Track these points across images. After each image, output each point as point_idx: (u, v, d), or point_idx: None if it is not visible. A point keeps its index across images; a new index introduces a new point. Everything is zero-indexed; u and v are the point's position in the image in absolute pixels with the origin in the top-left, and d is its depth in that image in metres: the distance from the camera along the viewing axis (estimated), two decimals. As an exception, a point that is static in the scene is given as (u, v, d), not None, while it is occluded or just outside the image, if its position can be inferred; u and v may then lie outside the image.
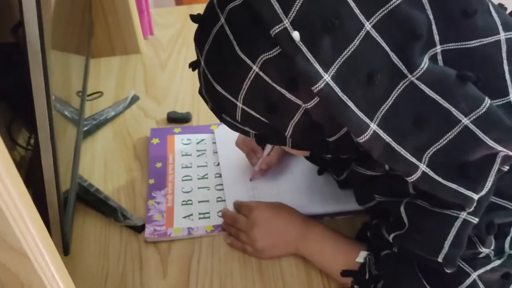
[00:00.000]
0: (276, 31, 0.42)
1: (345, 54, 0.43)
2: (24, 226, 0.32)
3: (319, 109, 0.45)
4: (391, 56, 0.44)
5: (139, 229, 0.70)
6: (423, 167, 0.45)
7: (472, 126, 0.44)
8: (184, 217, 0.72)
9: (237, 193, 0.74)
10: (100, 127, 0.88)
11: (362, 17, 0.43)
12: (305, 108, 0.46)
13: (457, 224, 0.49)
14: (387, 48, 0.44)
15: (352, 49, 0.43)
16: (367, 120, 0.44)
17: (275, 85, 0.45)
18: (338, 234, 0.64)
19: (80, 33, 0.88)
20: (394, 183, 0.54)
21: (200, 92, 0.53)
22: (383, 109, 0.44)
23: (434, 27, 0.45)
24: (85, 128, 0.85)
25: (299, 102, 0.46)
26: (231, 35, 0.45)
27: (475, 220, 0.48)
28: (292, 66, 0.43)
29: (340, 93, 0.43)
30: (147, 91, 0.97)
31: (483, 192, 0.46)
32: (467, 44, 0.45)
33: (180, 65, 1.03)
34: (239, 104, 0.48)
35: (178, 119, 0.89)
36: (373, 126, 0.44)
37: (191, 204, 0.74)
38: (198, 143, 0.84)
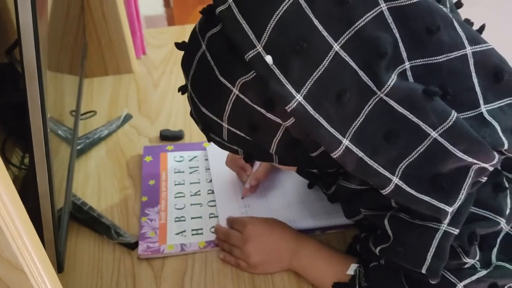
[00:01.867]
0: (250, 56, 0.45)
1: (315, 75, 0.45)
2: (21, 241, 0.33)
3: (296, 127, 0.47)
4: (360, 74, 0.46)
5: (133, 246, 0.70)
6: (396, 180, 0.47)
7: (440, 139, 0.46)
8: (177, 234, 0.72)
9: (230, 209, 0.75)
10: (94, 146, 0.89)
11: (330, 39, 0.45)
12: (285, 126, 0.48)
13: (438, 235, 0.50)
14: (355, 67, 0.46)
15: (322, 69, 0.45)
16: (339, 136, 0.46)
17: (254, 106, 0.47)
18: (329, 248, 0.65)
19: (74, 54, 0.90)
20: (378, 197, 0.55)
21: (191, 114, 0.55)
22: (355, 125, 0.46)
23: (401, 44, 0.47)
24: (79, 147, 0.86)
25: (278, 120, 0.48)
26: (212, 61, 0.48)
27: (455, 231, 0.50)
28: (267, 88, 0.45)
29: (312, 111, 0.45)
30: (140, 109, 0.99)
31: (456, 205, 0.47)
32: (434, 59, 0.47)
33: (172, 84, 1.05)
34: (225, 125, 0.51)
35: (170, 137, 0.90)
36: (346, 142, 0.46)
37: (184, 220, 0.74)
38: (190, 160, 0.85)
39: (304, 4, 0.45)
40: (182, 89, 0.56)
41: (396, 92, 0.45)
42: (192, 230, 0.73)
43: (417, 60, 0.47)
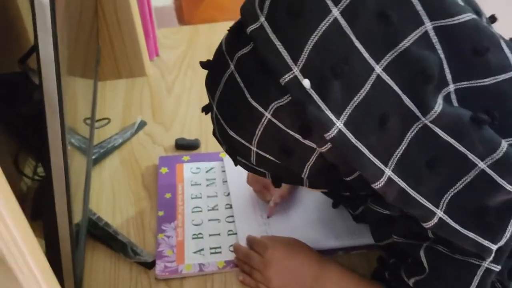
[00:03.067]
0: (286, 80, 0.42)
1: (356, 99, 0.42)
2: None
3: (333, 152, 0.45)
4: (403, 99, 0.43)
5: (150, 265, 0.68)
6: (440, 213, 0.44)
7: (488, 171, 0.43)
8: (195, 252, 0.70)
9: (249, 227, 0.73)
10: (108, 155, 0.86)
11: (371, 61, 0.42)
12: (320, 151, 0.45)
13: (480, 272, 0.48)
14: (398, 91, 0.43)
15: (363, 94, 0.42)
16: (382, 166, 0.43)
17: (288, 131, 0.45)
18: (353, 274, 0.63)
19: (87, 59, 0.87)
20: (412, 225, 0.52)
21: (214, 134, 0.53)
22: (397, 154, 0.43)
23: (446, 66, 0.44)
24: (93, 157, 0.84)
25: (313, 145, 0.45)
26: (242, 83, 0.45)
27: (497, 268, 0.47)
28: (304, 113, 0.42)
29: (353, 140, 0.42)
30: (154, 116, 0.96)
31: (501, 242, 0.45)
32: (481, 82, 0.44)
33: (186, 88, 1.02)
34: (253, 148, 0.48)
35: (186, 146, 0.88)
36: (388, 172, 0.43)
37: (202, 237, 0.72)
38: (207, 171, 0.83)
39: (344, 24, 0.42)
40: (206, 109, 0.53)
41: (442, 119, 0.43)
42: (211, 248, 0.71)
43: (463, 83, 0.44)
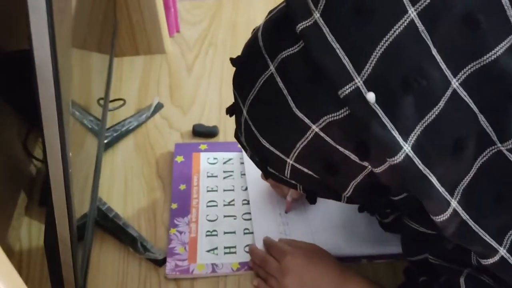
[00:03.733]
0: (346, 92, 0.35)
1: (427, 119, 0.36)
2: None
3: (390, 174, 0.38)
4: (480, 119, 0.37)
5: (160, 262, 0.65)
6: (503, 251, 0.39)
7: None
8: (208, 251, 0.66)
9: (266, 227, 0.68)
10: (121, 139, 0.82)
11: (448, 73, 0.36)
12: (372, 170, 0.39)
13: None
14: (475, 109, 0.36)
15: (436, 112, 0.36)
16: (448, 197, 0.37)
17: (338, 147, 0.39)
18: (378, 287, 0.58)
19: (102, 33, 0.81)
20: (455, 249, 0.47)
21: (237, 137, 0.47)
22: (464, 182, 0.38)
23: None
24: (106, 141, 0.80)
25: (365, 164, 0.39)
26: (285, 89, 0.39)
27: None
28: (363, 130, 0.36)
29: (421, 166, 0.36)
30: (172, 97, 0.91)
31: None
32: None
33: (207, 69, 0.96)
34: (290, 161, 0.42)
35: (204, 133, 0.83)
36: (454, 204, 0.38)
37: (216, 235, 0.68)
38: (225, 163, 0.78)
39: (421, 28, 0.35)
40: (231, 112, 0.46)
41: None
42: (225, 248, 0.67)
43: None
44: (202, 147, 0.80)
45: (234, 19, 1.07)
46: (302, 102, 0.38)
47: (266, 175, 0.47)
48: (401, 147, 0.35)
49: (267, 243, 0.64)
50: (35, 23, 0.37)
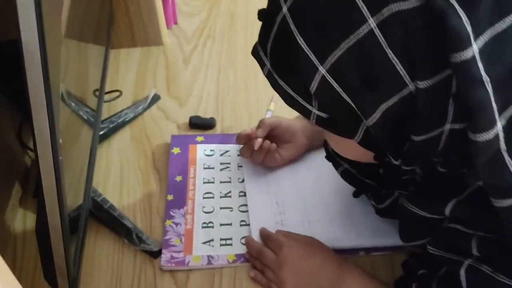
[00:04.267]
0: None
1: (499, 26, 0.34)
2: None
3: (432, 93, 0.35)
4: None
5: (155, 254, 0.64)
6: None
7: None
8: (204, 243, 0.65)
9: (263, 218, 0.67)
10: (117, 131, 0.81)
11: None
12: (413, 89, 0.36)
13: None
14: None
15: (508, 23, 0.34)
16: (496, 115, 0.35)
17: (389, 52, 0.34)
18: (377, 283, 0.57)
19: (97, 23, 0.80)
20: (455, 237, 0.46)
21: (255, 52, 0.42)
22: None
23: None
24: (102, 132, 0.79)
25: (407, 80, 0.35)
26: None
27: None
28: (440, 24, 0.32)
29: (483, 72, 0.33)
30: (169, 89, 0.90)
31: None
32: None
33: (205, 61, 0.95)
34: (322, 71, 0.37)
35: (201, 125, 0.82)
36: (499, 126, 0.35)
37: (212, 227, 0.67)
38: (221, 154, 0.77)
39: None
40: (264, 15, 0.41)
41: None
42: (221, 239, 0.66)
43: None
44: (199, 139, 0.79)
45: (232, 10, 1.05)
46: None
47: (277, 89, 0.41)
48: (470, 44, 0.33)
49: (264, 234, 0.64)
50: (23, 11, 0.36)
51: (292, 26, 0.37)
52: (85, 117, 0.71)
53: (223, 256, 0.64)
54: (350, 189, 0.66)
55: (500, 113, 0.35)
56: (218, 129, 0.82)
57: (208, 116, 0.83)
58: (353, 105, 0.39)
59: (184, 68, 0.95)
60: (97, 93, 0.77)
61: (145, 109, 0.85)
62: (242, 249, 0.65)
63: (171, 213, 0.69)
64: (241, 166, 0.75)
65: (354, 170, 0.61)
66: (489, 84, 0.34)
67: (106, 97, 0.86)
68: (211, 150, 0.77)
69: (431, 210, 0.47)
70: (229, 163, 0.76)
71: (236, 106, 0.85)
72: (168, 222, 0.67)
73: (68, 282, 0.50)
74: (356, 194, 0.66)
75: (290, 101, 0.41)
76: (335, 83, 0.38)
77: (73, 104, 0.69)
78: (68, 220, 0.52)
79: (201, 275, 0.63)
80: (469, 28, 0.33)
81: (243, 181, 0.73)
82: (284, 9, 0.38)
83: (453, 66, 0.33)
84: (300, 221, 0.67)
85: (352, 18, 0.34)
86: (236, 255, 0.64)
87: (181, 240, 0.65)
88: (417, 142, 0.39)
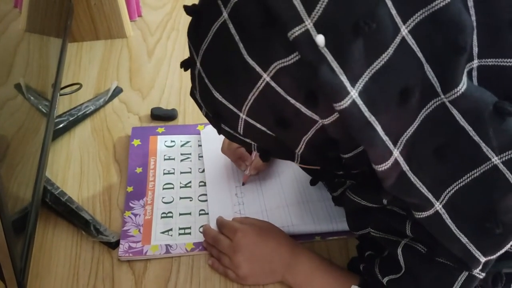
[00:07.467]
0: (296, 34, 0.34)
1: (376, 65, 0.35)
2: None
3: (338, 126, 0.38)
4: (425, 69, 0.36)
5: (113, 245, 0.64)
6: (438, 206, 0.39)
7: (502, 167, 0.37)
8: (163, 232, 0.66)
9: (222, 207, 0.68)
10: (78, 124, 0.81)
11: (398, 19, 0.35)
12: (322, 124, 0.39)
13: (461, 278, 0.43)
14: (422, 59, 0.36)
15: (385, 59, 0.35)
16: (391, 147, 0.37)
17: (289, 98, 0.38)
18: (328, 264, 0.59)
19: (53, 15, 0.80)
20: (390, 220, 0.47)
21: (193, 95, 0.45)
22: (408, 133, 0.37)
23: (475, 37, 0.37)
24: (61, 125, 0.78)
25: (315, 117, 0.38)
26: (237, 35, 0.37)
27: (482, 275, 0.42)
28: (312, 77, 0.35)
29: (367, 114, 0.35)
30: (132, 82, 0.90)
31: (494, 257, 0.39)
32: (508, 62, 0.38)
33: (168, 53, 0.95)
34: (242, 116, 0.41)
35: (162, 117, 0.82)
36: (396, 154, 0.37)
37: (171, 217, 0.68)
38: (182, 145, 0.77)
39: None
40: (186, 65, 0.44)
41: (464, 100, 0.37)
42: (180, 229, 0.66)
43: (488, 60, 0.38)
44: (160, 130, 0.79)
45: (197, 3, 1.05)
46: (253, 49, 0.37)
47: (219, 132, 0.45)
48: (348, 92, 0.35)
49: (219, 222, 0.64)
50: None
51: (207, 81, 0.41)
52: (44, 111, 0.71)
53: (181, 245, 0.64)
54: (307, 176, 0.67)
55: (395, 144, 0.37)
56: (180, 121, 0.82)
57: (170, 107, 0.84)
58: (279, 139, 0.42)
59: (148, 60, 0.94)
60: (53, 85, 0.76)
61: (106, 102, 0.84)
62: (200, 238, 0.65)
63: (131, 204, 0.69)
64: (201, 157, 0.76)
65: None
66: (376, 122, 0.36)
67: (67, 90, 0.86)
68: (172, 141, 0.78)
69: (370, 199, 0.49)
70: (189, 154, 0.76)
71: (199, 97, 0.86)
72: (127, 213, 0.68)
73: (15, 275, 0.49)
74: (312, 182, 0.68)
75: (231, 138, 0.45)
76: (258, 124, 0.41)
77: (31, 98, 0.69)
78: (16, 217, 0.51)
79: (159, 264, 0.63)
80: (343, 78, 0.34)
81: (203, 171, 0.74)
82: (198, 63, 0.41)
83: (339, 112, 0.36)
84: (257, 209, 0.68)
85: (249, 75, 0.37)
86: (194, 244, 0.65)
87: (139, 230, 0.66)
88: (347, 159, 0.42)
